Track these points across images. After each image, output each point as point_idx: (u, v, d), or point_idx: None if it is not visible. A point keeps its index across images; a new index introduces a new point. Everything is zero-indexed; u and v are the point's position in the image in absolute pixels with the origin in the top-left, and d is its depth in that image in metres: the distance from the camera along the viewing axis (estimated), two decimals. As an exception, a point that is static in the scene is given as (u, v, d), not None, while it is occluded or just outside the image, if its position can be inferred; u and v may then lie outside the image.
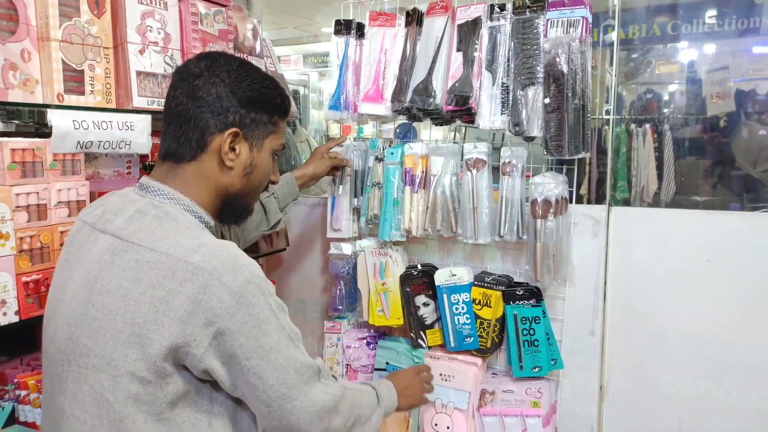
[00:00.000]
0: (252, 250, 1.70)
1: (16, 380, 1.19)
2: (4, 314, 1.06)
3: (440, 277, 1.61)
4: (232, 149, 0.98)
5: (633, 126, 3.70)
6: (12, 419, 1.18)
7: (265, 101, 1.01)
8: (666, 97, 3.90)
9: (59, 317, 0.90)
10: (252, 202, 1.10)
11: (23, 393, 1.19)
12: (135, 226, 0.89)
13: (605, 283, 1.53)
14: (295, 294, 1.96)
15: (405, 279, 1.65)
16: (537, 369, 1.54)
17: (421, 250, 1.74)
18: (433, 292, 1.63)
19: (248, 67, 1.02)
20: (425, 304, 1.66)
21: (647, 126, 3.66)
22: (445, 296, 1.61)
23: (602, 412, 1.56)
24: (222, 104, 0.96)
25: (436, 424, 1.60)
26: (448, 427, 1.59)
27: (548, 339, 1.54)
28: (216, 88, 0.96)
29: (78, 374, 0.86)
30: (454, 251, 1.70)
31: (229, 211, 1.04)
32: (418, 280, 1.65)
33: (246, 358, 0.87)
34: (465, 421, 1.58)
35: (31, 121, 1.21)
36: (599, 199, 2.51)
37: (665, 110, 3.87)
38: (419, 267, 1.67)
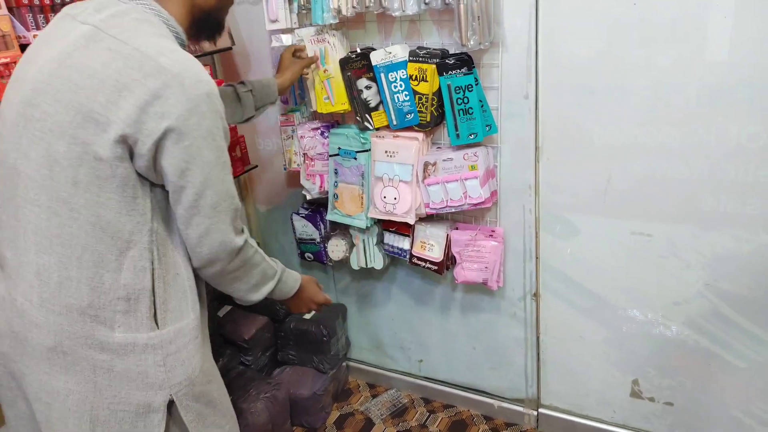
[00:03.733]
0: (195, 50, 1.73)
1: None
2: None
3: (376, 57, 1.63)
4: None
5: None
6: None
7: None
8: None
9: (24, 85, 0.98)
10: (223, 18, 1.17)
11: None
12: (114, 21, 0.97)
13: (537, 43, 1.53)
14: (253, 96, 2.02)
15: (344, 63, 1.68)
16: (473, 136, 1.60)
17: (360, 34, 1.74)
18: (374, 74, 1.66)
19: None
20: (367, 87, 1.70)
21: None
22: (382, 75, 1.64)
23: (538, 171, 1.65)
24: None
25: (384, 197, 1.74)
26: (395, 198, 1.72)
27: (482, 106, 1.59)
28: None
29: (33, 136, 0.95)
30: (392, 32, 1.70)
31: (202, 28, 1.12)
32: (358, 63, 1.67)
33: (185, 161, 0.96)
34: (410, 192, 1.70)
35: None
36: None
37: None
38: (358, 50, 1.68)
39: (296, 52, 1.71)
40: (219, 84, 1.81)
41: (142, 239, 1.01)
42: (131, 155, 0.96)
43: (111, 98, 0.91)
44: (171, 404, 1.08)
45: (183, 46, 1.07)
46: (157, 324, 1.05)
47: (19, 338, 1.03)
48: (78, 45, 0.95)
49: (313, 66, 1.72)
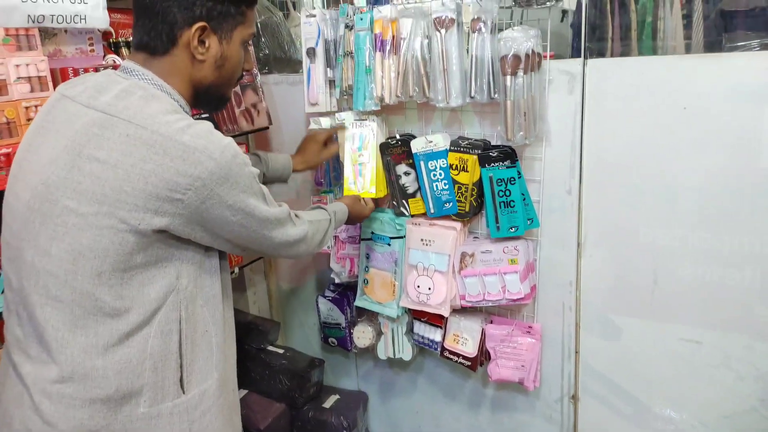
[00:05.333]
0: (233, 130, 1.72)
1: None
2: (-20, 185, 1.13)
3: (416, 145, 1.61)
4: (202, 43, 1.02)
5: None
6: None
7: None
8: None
9: (32, 179, 0.95)
10: (227, 92, 1.14)
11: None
12: (123, 104, 0.94)
13: (581, 140, 1.51)
14: (285, 174, 2.00)
15: (385, 148, 1.66)
16: (514, 229, 1.56)
17: (400, 120, 1.73)
18: (413, 161, 1.64)
19: None
20: (406, 173, 1.67)
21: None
22: (422, 163, 1.62)
23: (580, 268, 1.59)
24: None
25: (418, 286, 1.67)
26: (429, 288, 1.66)
27: (524, 199, 1.55)
28: None
29: (54, 232, 0.92)
30: (432, 119, 1.69)
31: (205, 101, 1.11)
32: (398, 149, 1.65)
33: (233, 215, 0.99)
34: (445, 283, 1.64)
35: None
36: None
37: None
38: (398, 136, 1.67)
39: (327, 141, 1.70)
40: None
41: (167, 300, 0.98)
42: (162, 230, 0.94)
43: (138, 186, 0.89)
44: None
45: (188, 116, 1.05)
46: (183, 389, 1.01)
47: None
48: (90, 134, 0.92)
49: (348, 149, 1.69)
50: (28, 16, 1.18)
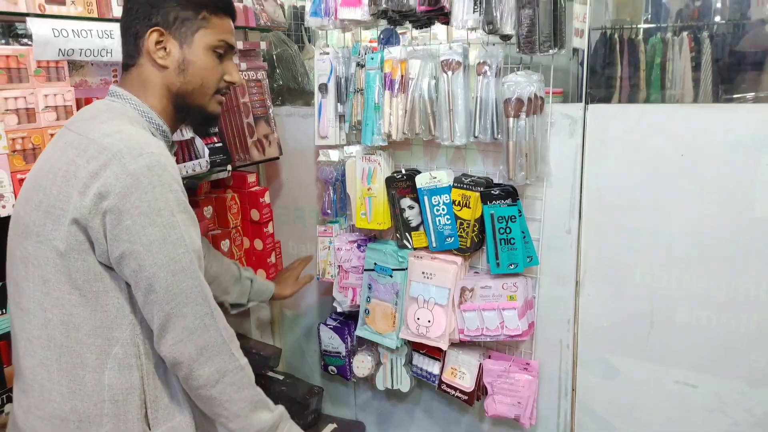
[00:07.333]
0: (244, 159, 1.78)
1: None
2: (3, 207, 1.18)
3: (421, 180, 1.66)
4: (163, 49, 1.05)
5: (669, 35, 3.48)
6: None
7: None
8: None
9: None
10: (203, 103, 1.11)
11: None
12: (80, 117, 1.01)
13: (581, 181, 1.55)
14: (293, 202, 2.06)
15: (390, 182, 1.71)
16: (513, 266, 1.59)
17: (406, 155, 1.78)
18: (417, 195, 1.69)
19: None
20: (410, 207, 1.72)
21: (684, 35, 3.42)
22: (426, 198, 1.66)
23: (578, 307, 1.62)
24: (144, 10, 1.05)
25: (418, 318, 1.70)
26: (429, 321, 1.68)
27: (524, 237, 1.59)
28: None
29: (15, 243, 0.99)
30: (437, 156, 1.74)
31: (185, 113, 1.11)
32: (403, 183, 1.70)
33: (129, 241, 0.90)
34: (445, 316, 1.67)
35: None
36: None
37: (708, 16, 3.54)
38: (403, 171, 1.72)
39: (300, 263, 1.81)
40: (263, 191, 1.85)
41: (123, 334, 0.97)
42: (92, 247, 0.94)
43: (62, 189, 0.92)
44: None
45: (161, 131, 1.07)
46: (149, 425, 1.00)
47: None
48: (52, 149, 0.99)
49: (357, 182, 1.75)
50: (59, 50, 1.26)
